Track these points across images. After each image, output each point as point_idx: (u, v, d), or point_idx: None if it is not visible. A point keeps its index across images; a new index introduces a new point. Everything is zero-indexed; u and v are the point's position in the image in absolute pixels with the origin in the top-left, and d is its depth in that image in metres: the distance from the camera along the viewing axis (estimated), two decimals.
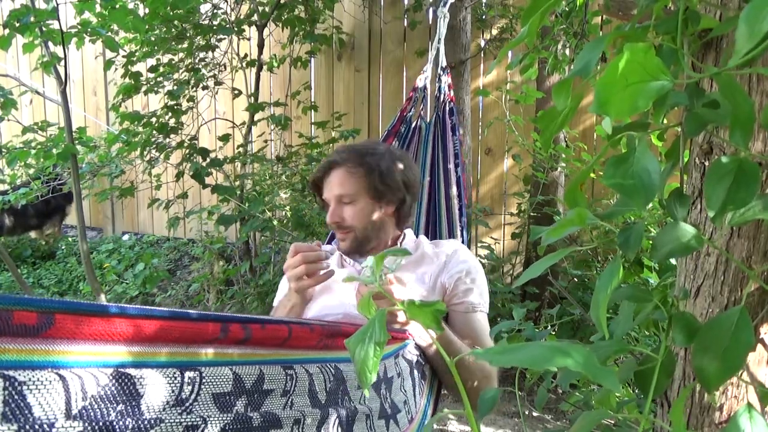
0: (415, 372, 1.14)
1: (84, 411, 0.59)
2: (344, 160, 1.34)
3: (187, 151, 3.03)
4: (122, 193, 3.13)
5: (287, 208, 3.15)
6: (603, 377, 0.41)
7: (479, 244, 3.42)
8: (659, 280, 0.78)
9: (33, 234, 4.85)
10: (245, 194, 3.11)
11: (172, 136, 3.14)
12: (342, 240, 1.36)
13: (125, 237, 4.98)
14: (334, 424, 0.87)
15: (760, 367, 0.62)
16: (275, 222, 2.96)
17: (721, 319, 0.50)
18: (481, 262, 3.17)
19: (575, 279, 2.81)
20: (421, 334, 1.19)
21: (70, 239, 5.00)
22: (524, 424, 2.48)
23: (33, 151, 2.96)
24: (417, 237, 1.47)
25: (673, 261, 0.76)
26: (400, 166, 1.35)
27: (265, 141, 4.02)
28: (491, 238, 3.52)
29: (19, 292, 4.26)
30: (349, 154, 1.35)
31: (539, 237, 0.62)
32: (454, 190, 1.77)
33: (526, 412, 2.54)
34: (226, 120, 3.94)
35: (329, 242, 1.72)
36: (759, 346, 0.61)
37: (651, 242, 0.54)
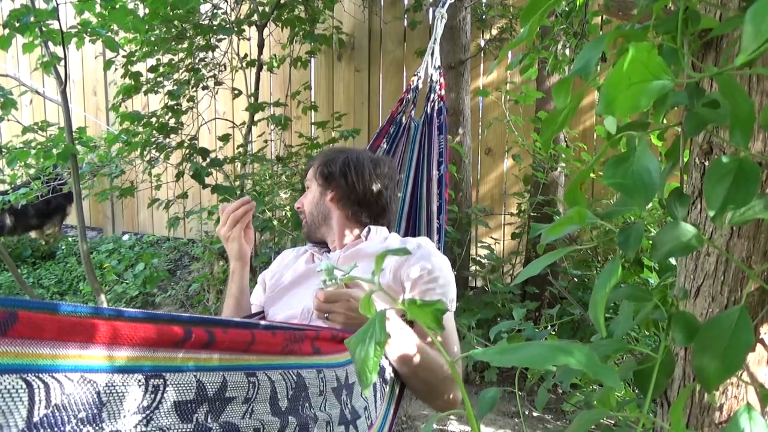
0: (377, 377, 1.13)
1: (45, 419, 0.59)
2: (313, 161, 1.52)
3: (187, 151, 3.03)
4: (122, 193, 3.13)
5: (287, 208, 3.15)
6: (603, 375, 0.41)
7: (479, 244, 3.42)
8: (659, 279, 0.78)
9: (33, 234, 4.85)
10: (245, 194, 3.11)
11: (172, 136, 3.14)
12: (302, 227, 1.49)
13: (125, 237, 4.98)
14: (293, 431, 0.87)
15: (760, 367, 0.62)
16: (275, 222, 2.96)
17: (720, 318, 0.50)
18: (480, 262, 3.20)
19: (575, 279, 2.81)
20: (392, 341, 1.15)
21: (70, 239, 5.00)
22: (524, 424, 2.48)
23: (33, 151, 2.95)
24: (390, 233, 1.46)
25: (673, 261, 0.76)
26: (344, 157, 1.44)
27: (265, 141, 4.02)
28: (491, 238, 3.52)
29: (19, 292, 4.26)
30: (316, 158, 1.53)
31: (539, 236, 0.62)
32: (434, 188, 1.77)
33: (526, 412, 2.54)
34: (226, 120, 3.94)
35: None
36: (759, 346, 0.61)
37: (651, 242, 0.54)
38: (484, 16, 3.55)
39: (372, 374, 0.48)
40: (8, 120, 2.73)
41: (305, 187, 1.50)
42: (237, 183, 3.21)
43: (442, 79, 1.88)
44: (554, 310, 1.42)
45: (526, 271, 0.61)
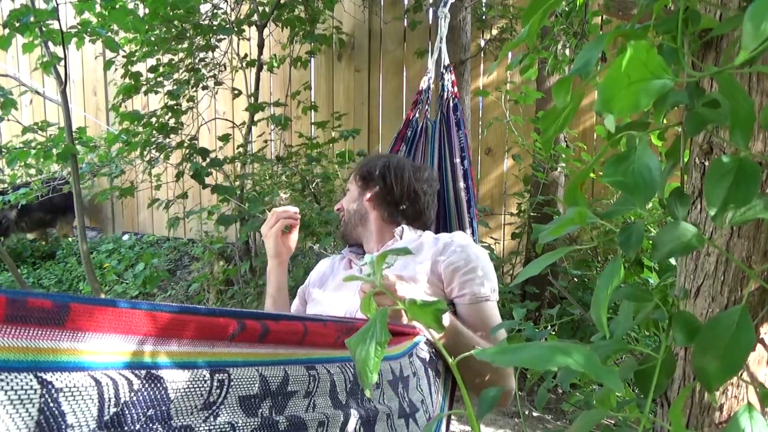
0: (430, 370, 1.12)
1: (115, 417, 0.58)
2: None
3: (187, 151, 3.03)
4: (122, 193, 3.13)
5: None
6: (604, 376, 0.41)
7: (480, 244, 3.42)
8: (659, 279, 0.78)
9: (37, 233, 4.86)
10: (245, 194, 3.11)
11: (172, 136, 3.14)
12: (340, 226, 1.52)
13: (125, 237, 4.98)
14: (356, 424, 0.86)
15: (760, 367, 0.62)
16: None
17: (721, 318, 0.50)
18: None
19: (575, 279, 2.81)
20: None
21: (70, 239, 5.00)
22: (524, 424, 2.48)
23: (33, 151, 2.95)
24: (424, 232, 1.47)
25: (673, 261, 0.76)
26: (384, 160, 1.49)
27: (265, 141, 4.02)
28: (491, 238, 3.52)
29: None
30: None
31: (539, 237, 0.61)
32: (461, 183, 1.79)
33: (527, 412, 2.54)
34: (226, 120, 3.94)
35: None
36: (759, 346, 0.61)
37: (651, 242, 0.54)
38: (484, 16, 3.55)
39: (372, 374, 0.48)
40: (8, 120, 2.73)
41: (346, 190, 1.55)
42: (237, 183, 3.21)
43: (453, 77, 1.90)
44: (554, 310, 1.41)
45: (526, 270, 0.61)
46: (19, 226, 4.52)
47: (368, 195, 1.46)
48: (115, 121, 3.85)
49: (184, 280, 4.20)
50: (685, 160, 0.66)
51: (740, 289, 0.61)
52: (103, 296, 2.87)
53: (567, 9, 2.00)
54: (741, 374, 0.62)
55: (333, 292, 1.40)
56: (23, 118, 5.13)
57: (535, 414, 2.52)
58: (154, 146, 3.12)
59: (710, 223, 0.63)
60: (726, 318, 0.49)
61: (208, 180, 2.93)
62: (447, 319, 1.15)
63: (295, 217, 1.43)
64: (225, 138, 3.27)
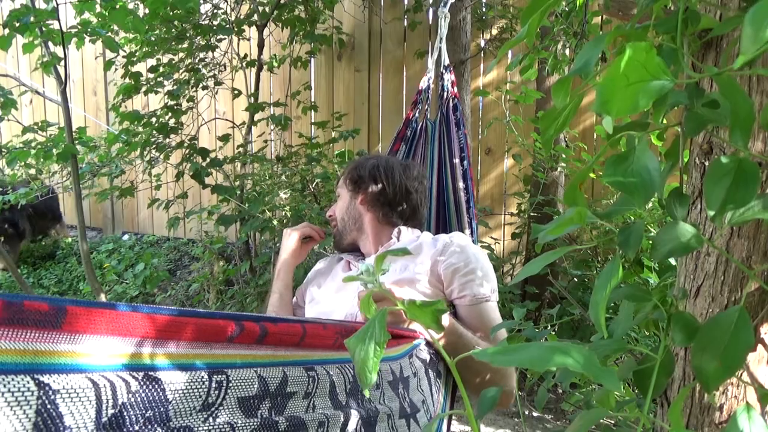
0: (430, 371, 1.12)
1: (113, 419, 0.58)
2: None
3: (187, 151, 3.03)
4: (122, 193, 3.13)
5: (287, 208, 3.15)
6: (603, 377, 0.41)
7: (479, 244, 3.42)
8: (659, 280, 0.78)
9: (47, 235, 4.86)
10: (245, 194, 3.11)
11: (172, 136, 3.14)
12: (333, 234, 1.53)
13: (125, 237, 4.98)
14: (356, 425, 0.86)
15: (759, 367, 0.62)
16: (275, 222, 2.96)
17: (720, 318, 0.50)
18: None
19: (575, 279, 2.81)
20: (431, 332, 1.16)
21: (70, 239, 5.00)
22: (524, 424, 2.48)
23: (33, 151, 2.95)
24: (422, 233, 1.47)
25: (672, 261, 0.76)
26: (373, 161, 1.49)
27: (265, 141, 4.02)
28: (491, 238, 3.52)
29: (19, 292, 4.26)
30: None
31: (538, 236, 0.61)
32: (460, 183, 1.79)
33: (526, 412, 2.54)
34: (226, 120, 3.94)
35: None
36: (759, 346, 0.61)
37: (651, 242, 0.54)
38: (484, 16, 3.55)
39: (372, 374, 0.48)
40: (8, 120, 2.73)
41: (336, 196, 1.55)
42: (237, 183, 3.21)
43: (452, 77, 1.90)
44: (554, 310, 1.41)
45: (525, 269, 0.61)
46: (27, 232, 4.52)
47: (361, 198, 1.46)
48: (115, 121, 3.85)
49: (184, 280, 4.20)
50: (685, 160, 0.66)
51: (740, 289, 0.61)
52: (102, 296, 2.87)
53: (567, 9, 2.00)
54: (741, 374, 0.62)
55: (333, 293, 1.40)
56: (23, 118, 5.13)
57: (535, 414, 2.52)
58: (154, 146, 3.12)
59: (710, 223, 0.63)
60: (725, 318, 0.49)
61: (208, 180, 2.93)
62: (446, 320, 1.15)
63: (320, 238, 1.55)
64: (225, 138, 3.27)
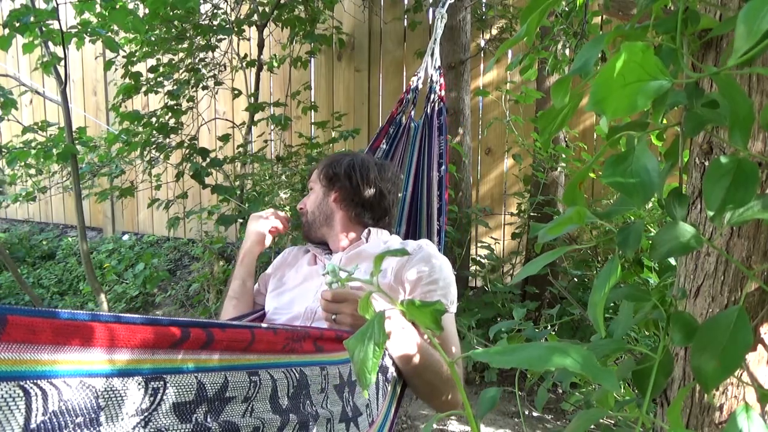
0: (380, 375, 1.13)
1: (42, 425, 0.59)
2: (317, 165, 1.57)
3: (187, 151, 3.03)
4: (122, 193, 3.13)
5: (287, 208, 3.15)
6: (602, 377, 0.41)
7: (479, 244, 3.42)
8: (659, 279, 0.78)
9: None
10: (245, 194, 3.11)
11: (172, 136, 3.14)
12: (302, 225, 1.53)
13: (125, 237, 4.98)
14: (293, 429, 0.87)
15: (759, 367, 0.62)
16: None
17: (719, 318, 0.50)
18: (480, 262, 3.20)
19: (575, 279, 2.81)
20: (393, 341, 1.15)
21: (70, 239, 5.00)
22: (524, 424, 2.48)
23: (33, 151, 2.96)
24: (391, 236, 1.47)
25: (672, 261, 0.76)
26: (349, 159, 1.48)
27: (265, 141, 4.03)
28: (491, 238, 3.52)
29: (19, 292, 4.26)
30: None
31: (538, 236, 0.61)
32: (435, 190, 1.76)
33: (526, 412, 2.54)
34: (226, 120, 3.94)
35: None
36: (758, 346, 0.61)
37: (650, 242, 0.54)
38: (484, 17, 3.54)
39: (371, 375, 0.48)
40: (8, 120, 2.73)
41: (308, 189, 1.54)
42: (237, 183, 3.21)
43: (442, 80, 1.87)
44: (554, 310, 1.41)
45: (525, 269, 0.61)
46: None
47: (334, 195, 1.45)
48: (115, 121, 3.85)
49: (184, 280, 4.20)
50: (685, 160, 0.66)
51: (740, 289, 0.61)
52: (102, 296, 2.87)
53: (567, 9, 2.00)
54: (740, 374, 0.61)
55: (296, 285, 1.39)
56: (23, 118, 5.14)
57: (535, 414, 2.52)
58: (154, 146, 3.12)
59: (710, 223, 0.63)
60: (724, 318, 0.49)
61: (208, 180, 2.94)
62: (417, 338, 1.16)
63: (286, 225, 1.56)
64: (225, 138, 3.27)
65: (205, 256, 3.93)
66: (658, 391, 0.65)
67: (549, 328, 2.06)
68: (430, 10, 3.65)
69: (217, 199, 3.12)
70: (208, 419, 0.75)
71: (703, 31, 0.62)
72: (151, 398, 0.69)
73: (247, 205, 2.89)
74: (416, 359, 1.15)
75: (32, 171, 3.56)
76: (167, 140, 3.14)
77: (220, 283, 3.62)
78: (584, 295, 2.68)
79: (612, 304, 1.91)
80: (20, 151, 2.92)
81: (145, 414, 0.69)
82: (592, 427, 0.53)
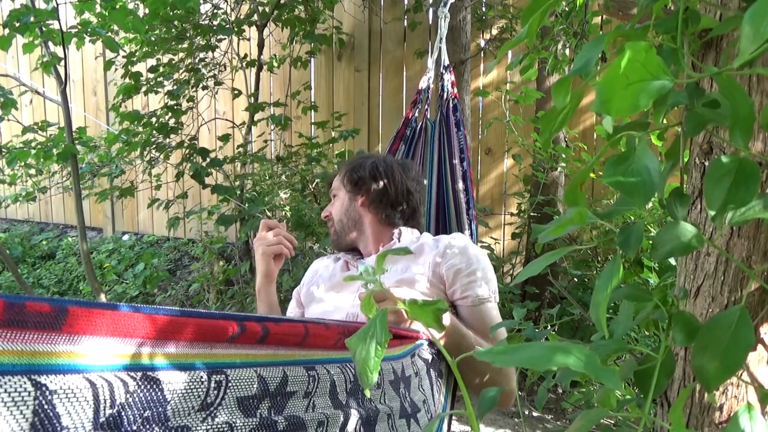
0: (432, 371, 1.12)
1: (111, 419, 0.58)
2: (339, 170, 1.51)
3: (187, 151, 3.03)
4: (122, 193, 3.13)
5: (287, 208, 3.15)
6: (604, 376, 0.41)
7: (479, 244, 3.42)
8: (659, 279, 0.78)
9: None
10: (245, 194, 3.11)
11: (172, 136, 3.14)
12: (331, 235, 1.48)
13: (125, 237, 4.98)
14: (356, 424, 0.86)
15: (759, 367, 0.62)
16: None
17: (720, 318, 0.50)
18: None
19: (575, 279, 2.81)
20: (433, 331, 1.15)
21: (70, 239, 5.00)
22: (524, 424, 2.48)
23: (33, 151, 2.96)
24: (422, 234, 1.47)
25: (673, 261, 0.76)
26: (372, 161, 1.46)
27: (265, 141, 4.02)
28: (491, 238, 3.52)
29: (20, 292, 4.26)
30: (342, 166, 1.52)
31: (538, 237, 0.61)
32: (460, 184, 1.79)
33: (526, 412, 2.54)
34: (226, 120, 3.94)
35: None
36: (759, 346, 0.61)
37: (651, 242, 0.54)
38: (484, 17, 3.54)
39: (373, 374, 0.48)
40: (8, 120, 2.73)
41: (331, 197, 1.50)
42: (237, 183, 3.21)
43: (452, 77, 1.89)
44: (554, 310, 1.41)
45: (526, 270, 0.61)
46: None
47: (361, 199, 1.44)
48: (115, 121, 3.85)
49: (184, 280, 4.20)
50: (685, 160, 0.66)
51: (740, 289, 0.61)
52: (102, 296, 2.87)
53: (567, 9, 2.00)
54: (741, 374, 0.62)
55: (333, 294, 1.39)
56: (23, 118, 5.13)
57: (535, 414, 2.52)
58: (154, 146, 3.12)
59: (710, 223, 0.64)
60: (725, 318, 0.49)
61: (208, 180, 2.94)
62: (448, 319, 1.15)
63: (293, 246, 1.39)
64: (225, 138, 3.27)
65: (205, 256, 3.93)
66: (660, 391, 0.65)
67: (549, 328, 2.06)
68: (430, 10, 3.65)
69: (217, 199, 3.12)
70: (273, 414, 0.75)
71: (703, 31, 0.62)
72: (215, 392, 0.68)
73: (247, 205, 2.89)
74: (454, 341, 1.15)
75: (32, 171, 3.56)
76: (167, 140, 3.15)
77: (220, 283, 3.62)
78: (584, 295, 2.68)
79: (612, 305, 1.91)
80: (20, 151, 2.92)
81: (211, 408, 0.67)
82: (593, 427, 0.53)
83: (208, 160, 2.95)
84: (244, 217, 2.95)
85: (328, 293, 1.40)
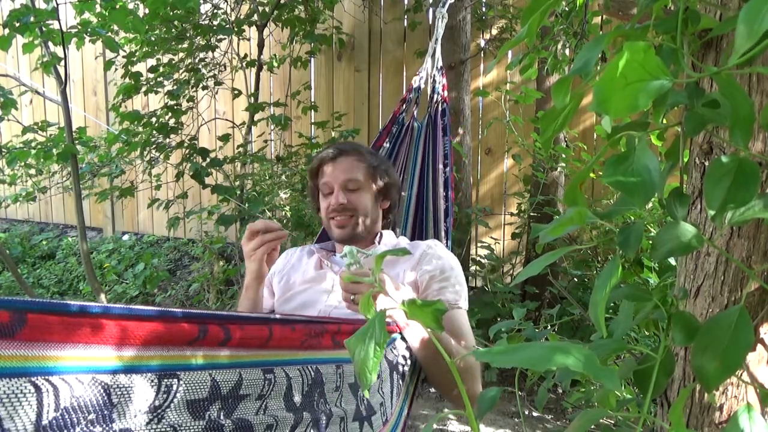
0: (395, 374, 1.13)
1: (54, 421, 0.59)
2: (351, 150, 1.45)
3: (187, 151, 3.03)
4: (122, 193, 3.13)
5: (287, 208, 3.15)
6: (604, 376, 0.41)
7: (479, 244, 3.42)
8: (659, 279, 0.78)
9: None
10: (245, 194, 3.11)
11: (172, 136, 3.14)
12: (341, 227, 1.41)
13: (125, 237, 4.98)
14: (306, 427, 0.87)
15: (759, 367, 0.62)
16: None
17: (720, 318, 0.50)
18: (480, 262, 3.20)
19: (575, 279, 2.81)
20: (412, 328, 1.15)
21: (70, 239, 5.00)
22: (524, 424, 2.48)
23: (33, 151, 2.96)
24: (398, 237, 1.49)
25: (672, 261, 0.76)
26: (389, 165, 1.49)
27: (265, 141, 4.02)
28: (491, 238, 3.52)
29: (19, 292, 4.26)
30: (353, 147, 1.48)
31: (539, 236, 0.61)
32: (441, 190, 1.77)
33: (526, 412, 2.54)
34: (226, 120, 3.94)
35: (318, 241, 1.71)
36: (759, 346, 0.61)
37: (651, 242, 0.54)
38: (484, 17, 3.54)
39: (372, 374, 0.48)
40: (8, 120, 2.73)
41: (345, 183, 1.41)
42: (237, 183, 3.21)
43: (444, 80, 1.87)
44: (554, 310, 1.41)
45: (526, 270, 0.61)
46: None
47: (385, 204, 1.49)
48: (115, 121, 3.85)
49: (184, 280, 4.20)
50: (685, 160, 0.66)
51: (740, 289, 0.61)
52: (102, 296, 2.87)
53: (567, 9, 2.00)
54: (741, 374, 0.62)
55: (305, 290, 1.39)
56: (23, 118, 5.13)
57: (535, 414, 2.52)
58: (154, 146, 3.12)
59: (710, 223, 0.63)
60: (725, 318, 0.49)
61: (208, 180, 2.94)
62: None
63: (282, 236, 1.31)
64: (225, 138, 3.27)
65: (205, 256, 3.93)
66: (660, 391, 0.65)
67: (549, 328, 2.06)
68: (430, 10, 3.65)
69: (217, 199, 3.12)
70: (221, 416, 0.75)
71: (703, 31, 0.62)
72: (164, 395, 0.69)
73: (247, 205, 2.89)
74: (432, 346, 1.15)
75: (32, 171, 3.56)
76: (167, 140, 3.14)
77: (220, 283, 3.62)
78: (584, 295, 2.68)
79: (612, 304, 1.91)
80: (20, 151, 2.92)
81: (158, 411, 0.68)
82: (592, 427, 0.53)
83: (208, 160, 2.95)
84: (244, 217, 2.95)
85: (301, 288, 1.40)
